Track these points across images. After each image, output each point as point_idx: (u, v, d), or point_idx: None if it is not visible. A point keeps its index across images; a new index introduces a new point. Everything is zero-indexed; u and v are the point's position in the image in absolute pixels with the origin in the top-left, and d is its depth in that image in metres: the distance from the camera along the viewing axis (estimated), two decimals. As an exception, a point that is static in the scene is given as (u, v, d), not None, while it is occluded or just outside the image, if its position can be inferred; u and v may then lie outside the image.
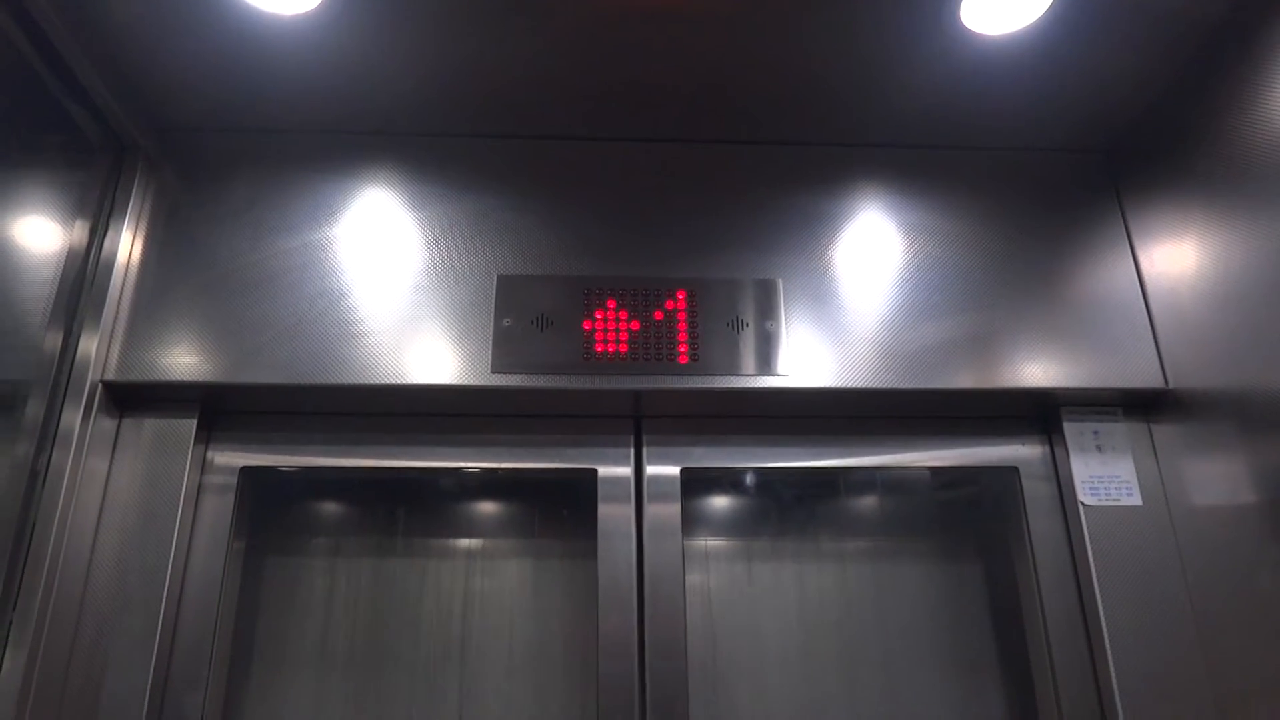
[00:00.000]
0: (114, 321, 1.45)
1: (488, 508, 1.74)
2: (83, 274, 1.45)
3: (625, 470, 1.56)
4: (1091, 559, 1.48)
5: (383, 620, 1.63)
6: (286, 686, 1.58)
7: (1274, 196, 1.28)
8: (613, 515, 1.53)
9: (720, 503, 1.76)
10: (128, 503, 1.42)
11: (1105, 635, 1.43)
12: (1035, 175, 1.68)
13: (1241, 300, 1.34)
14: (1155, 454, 1.55)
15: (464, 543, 1.70)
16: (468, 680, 1.59)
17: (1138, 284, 1.59)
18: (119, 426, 1.47)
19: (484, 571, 1.68)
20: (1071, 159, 1.69)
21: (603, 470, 1.55)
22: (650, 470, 1.56)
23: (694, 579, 1.65)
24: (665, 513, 1.53)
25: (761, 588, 1.69)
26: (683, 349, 1.49)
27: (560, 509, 1.72)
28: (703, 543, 1.71)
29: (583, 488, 1.56)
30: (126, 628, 1.35)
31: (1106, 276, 1.59)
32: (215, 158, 1.60)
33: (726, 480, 1.76)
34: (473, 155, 1.63)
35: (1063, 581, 1.53)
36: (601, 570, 1.49)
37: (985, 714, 1.61)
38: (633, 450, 1.58)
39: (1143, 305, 1.57)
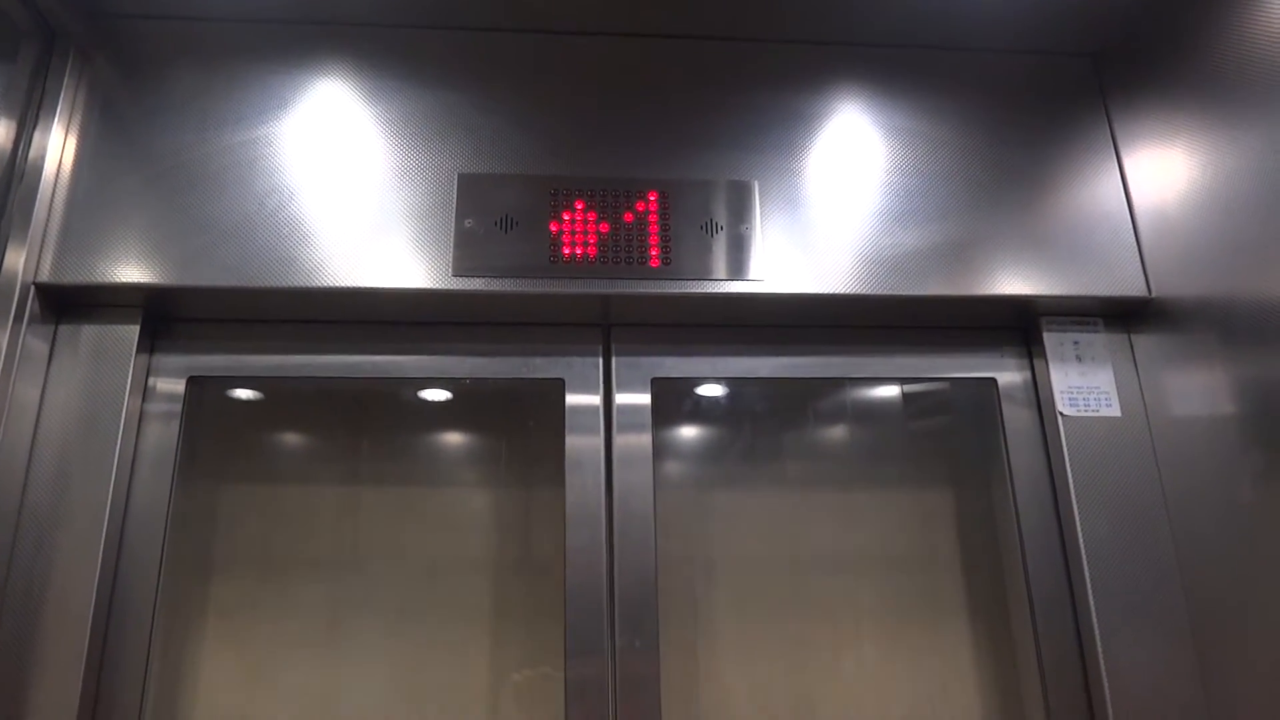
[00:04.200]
0: (46, 221, 1.36)
1: (451, 432, 1.67)
2: (10, 171, 1.35)
3: (594, 381, 1.50)
4: (1069, 470, 1.46)
5: (342, 549, 1.57)
6: (244, 599, 1.53)
7: (1266, 101, 1.25)
8: (580, 431, 1.47)
9: (686, 427, 1.71)
10: (66, 413, 1.34)
11: (1082, 549, 1.42)
12: (1019, 79, 1.62)
13: (1229, 208, 1.31)
14: (1135, 365, 1.53)
15: (427, 470, 1.65)
16: (434, 610, 1.55)
17: (1122, 191, 1.55)
18: (55, 334, 1.38)
19: (448, 500, 1.63)
20: (1057, 62, 1.64)
21: (570, 381, 1.50)
22: (620, 380, 1.51)
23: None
24: (636, 426, 1.48)
25: (722, 514, 1.66)
26: (654, 252, 1.43)
27: (526, 423, 1.66)
28: (667, 466, 1.66)
29: (550, 403, 1.50)
30: (68, 544, 1.29)
31: (1090, 183, 1.55)
32: (155, 47, 1.49)
33: (693, 401, 1.71)
34: (433, 48, 1.54)
35: (1039, 495, 1.51)
36: (569, 494, 1.44)
37: (959, 631, 1.60)
38: (601, 360, 1.52)
39: (1127, 213, 1.53)
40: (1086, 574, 1.41)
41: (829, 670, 1.58)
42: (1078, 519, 1.43)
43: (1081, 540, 1.42)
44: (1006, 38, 1.61)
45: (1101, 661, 1.36)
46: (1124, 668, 1.36)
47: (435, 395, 1.65)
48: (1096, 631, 1.38)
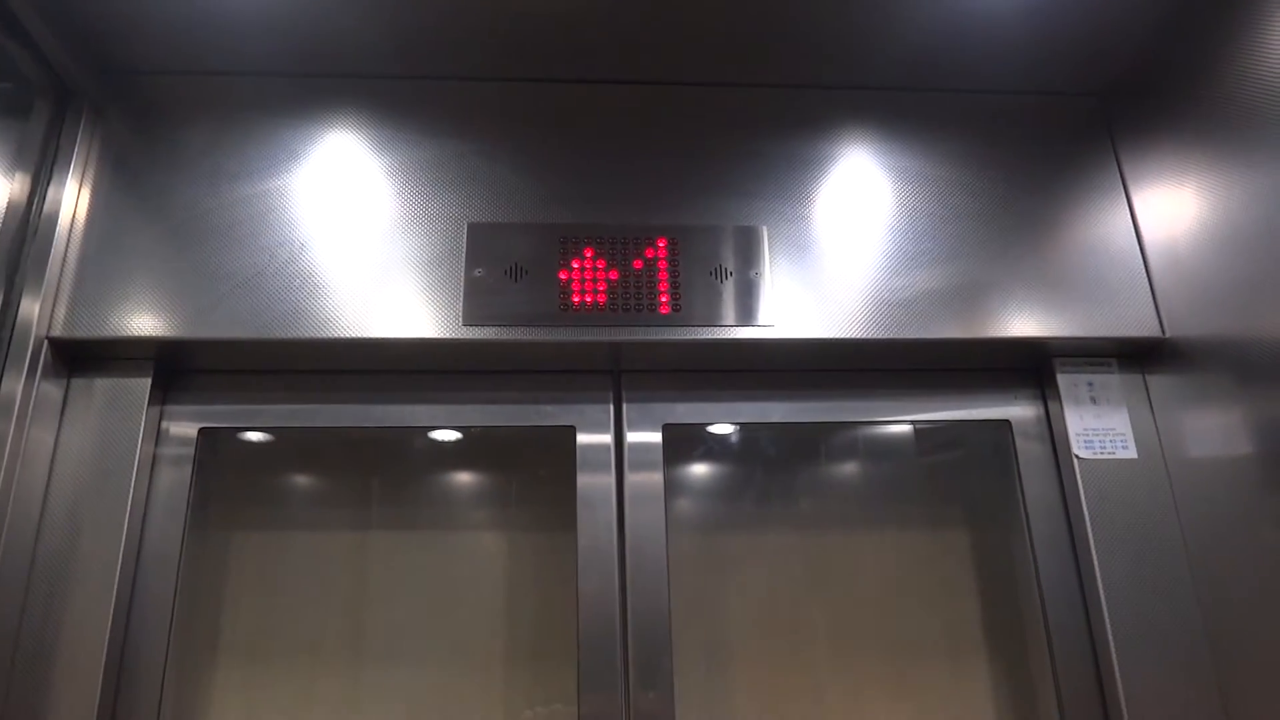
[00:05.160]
0: (59, 276, 1.37)
1: (463, 476, 1.67)
2: (24, 227, 1.36)
3: (605, 427, 1.50)
4: (1086, 514, 1.44)
5: (354, 593, 1.57)
6: (256, 644, 1.52)
7: (1276, 138, 1.24)
8: (592, 477, 1.47)
9: (699, 467, 1.70)
10: (78, 467, 1.34)
11: (1100, 590, 1.40)
12: (1027, 119, 1.62)
13: (1241, 246, 1.30)
14: (1151, 405, 1.51)
15: (438, 513, 1.64)
16: (442, 656, 1.54)
17: (1133, 230, 1.54)
18: (68, 387, 1.39)
19: (459, 543, 1.62)
20: (1064, 102, 1.64)
21: (581, 427, 1.49)
22: (631, 426, 1.50)
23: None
24: (647, 474, 1.47)
25: (737, 555, 1.64)
26: (664, 299, 1.43)
27: (538, 470, 1.65)
28: (680, 508, 1.65)
29: (561, 449, 1.49)
30: (79, 598, 1.28)
31: (1101, 223, 1.54)
32: (167, 103, 1.51)
33: (706, 443, 1.70)
34: (442, 98, 1.55)
35: (1057, 538, 1.49)
36: (581, 538, 1.43)
37: (976, 673, 1.58)
38: (612, 407, 1.52)
39: (1138, 252, 1.52)
40: (1106, 615, 1.39)
41: (846, 711, 1.56)
42: (1095, 560, 1.42)
43: (1100, 581, 1.41)
44: (1013, 78, 1.61)
45: (1123, 703, 1.35)
46: (1145, 709, 1.34)
47: (446, 435, 1.65)
48: (1117, 673, 1.36)
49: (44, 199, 1.39)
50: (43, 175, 1.40)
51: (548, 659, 1.53)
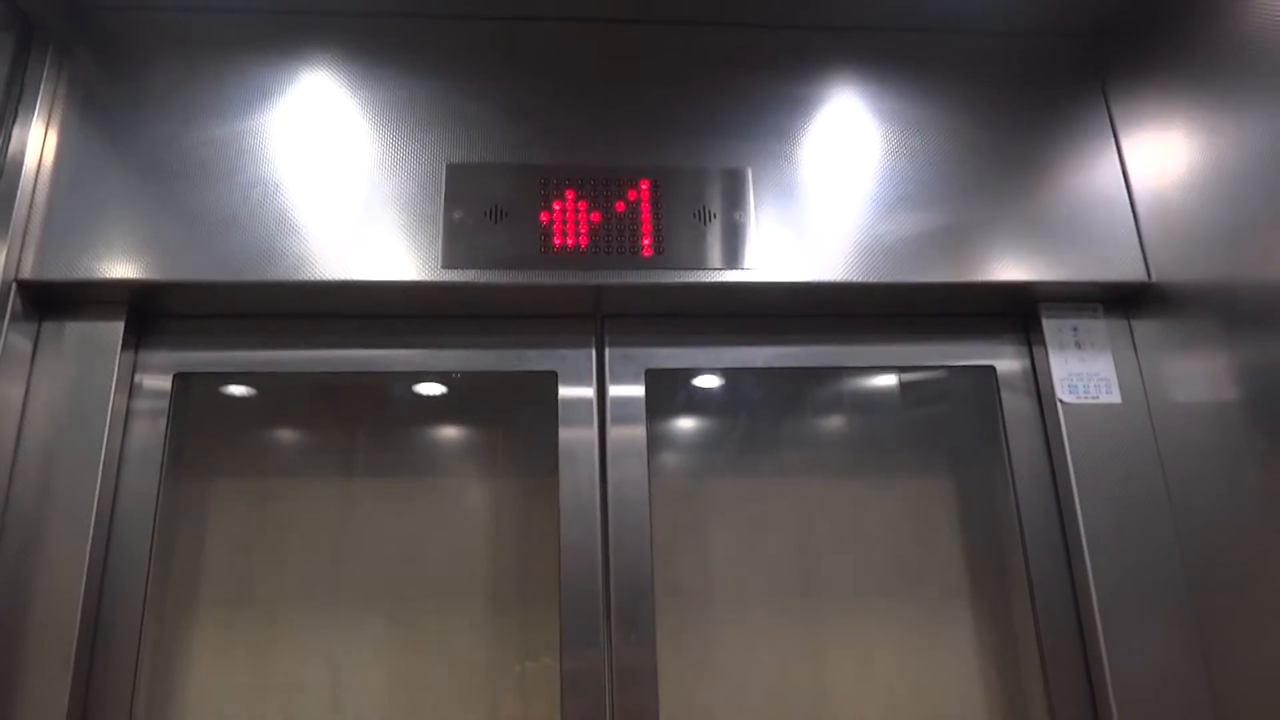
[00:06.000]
0: (27, 217, 1.33)
1: (444, 422, 1.65)
2: (-11, 167, 1.33)
3: (587, 373, 1.49)
4: (1070, 459, 1.44)
5: (333, 543, 1.55)
6: (235, 596, 1.51)
7: (1267, 83, 1.22)
8: (574, 423, 1.45)
9: (682, 417, 1.68)
10: (51, 411, 1.32)
11: (1083, 535, 1.40)
12: (1016, 61, 1.60)
13: (1230, 191, 1.29)
14: (1136, 351, 1.51)
15: (419, 463, 1.63)
16: (425, 609, 1.53)
17: (1121, 174, 1.52)
18: (38, 332, 1.36)
19: (440, 493, 1.61)
20: (1054, 44, 1.61)
21: (563, 373, 1.48)
22: (613, 371, 1.49)
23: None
24: (630, 418, 1.46)
25: (721, 505, 1.64)
26: (646, 241, 1.41)
27: (519, 417, 1.64)
28: (663, 458, 1.64)
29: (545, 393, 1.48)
30: (54, 544, 1.27)
31: (1089, 166, 1.53)
32: (136, 39, 1.46)
33: (689, 392, 1.69)
34: (420, 36, 1.51)
35: (1040, 484, 1.49)
36: (564, 490, 1.42)
37: (959, 618, 1.58)
38: (594, 352, 1.50)
39: (1126, 197, 1.51)
40: (1087, 560, 1.39)
41: (828, 658, 1.57)
42: (1078, 506, 1.42)
43: (1082, 527, 1.41)
44: (1003, 19, 1.58)
45: (1103, 646, 1.35)
46: (1125, 652, 1.35)
47: (430, 389, 1.63)
48: (1097, 617, 1.37)
49: (9, 139, 1.35)
50: (7, 114, 1.36)
51: (537, 608, 1.52)
